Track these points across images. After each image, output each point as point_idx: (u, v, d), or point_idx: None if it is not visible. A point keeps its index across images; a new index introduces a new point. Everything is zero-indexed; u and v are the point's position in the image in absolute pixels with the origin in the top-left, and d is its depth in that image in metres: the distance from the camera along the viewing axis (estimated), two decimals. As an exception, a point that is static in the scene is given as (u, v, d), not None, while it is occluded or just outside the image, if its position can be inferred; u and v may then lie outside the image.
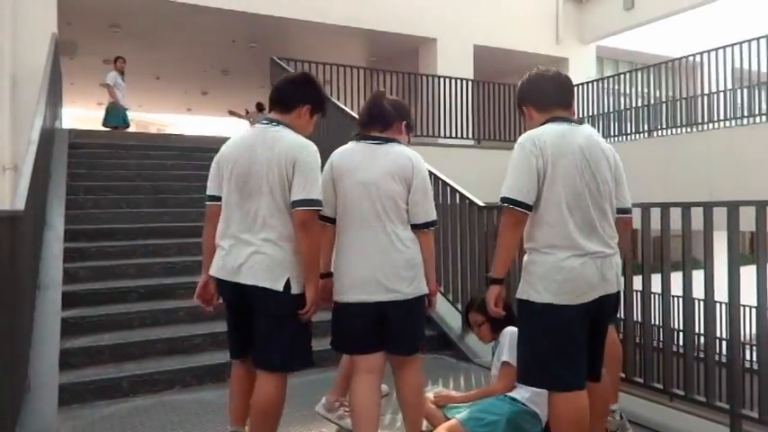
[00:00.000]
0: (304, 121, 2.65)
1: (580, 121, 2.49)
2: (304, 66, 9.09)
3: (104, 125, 10.26)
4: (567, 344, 2.32)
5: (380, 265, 2.50)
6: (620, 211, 2.51)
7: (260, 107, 13.81)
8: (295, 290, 2.51)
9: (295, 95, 2.65)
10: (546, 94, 2.50)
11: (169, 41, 12.48)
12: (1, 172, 7.67)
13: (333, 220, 2.63)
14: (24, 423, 3.17)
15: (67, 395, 3.63)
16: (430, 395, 3.16)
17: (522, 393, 2.94)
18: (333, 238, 2.65)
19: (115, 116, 10.15)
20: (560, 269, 2.29)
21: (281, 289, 2.47)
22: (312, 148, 2.56)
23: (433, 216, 2.63)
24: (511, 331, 3.17)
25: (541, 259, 2.34)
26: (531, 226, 2.39)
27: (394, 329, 2.57)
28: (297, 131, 2.59)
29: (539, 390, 2.88)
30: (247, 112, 13.58)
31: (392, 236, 2.52)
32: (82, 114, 21.26)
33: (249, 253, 2.49)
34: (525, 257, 2.43)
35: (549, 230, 2.33)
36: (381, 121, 2.67)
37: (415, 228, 2.60)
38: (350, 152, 2.65)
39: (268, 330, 2.53)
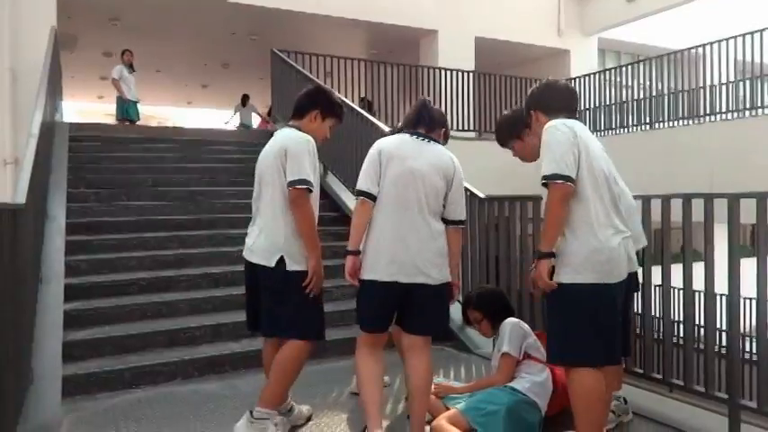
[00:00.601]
0: (316, 125, 3.02)
1: None
2: (304, 58, 9.07)
3: (117, 119, 10.39)
4: (609, 321, 2.43)
5: (417, 251, 2.67)
6: None
7: (244, 99, 13.85)
8: (290, 266, 2.82)
9: (306, 103, 3.04)
10: (556, 101, 2.69)
11: (169, 34, 12.46)
12: (2, 166, 7.67)
13: (374, 198, 2.74)
14: (28, 415, 3.20)
15: (71, 387, 3.65)
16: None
17: (523, 384, 2.97)
18: (369, 216, 2.76)
19: (120, 109, 10.23)
20: (602, 250, 2.39)
21: (273, 265, 2.82)
22: (302, 137, 2.91)
23: (465, 215, 2.86)
24: (510, 323, 3.18)
25: (583, 241, 2.41)
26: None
27: (417, 310, 2.72)
28: (308, 134, 2.94)
29: (538, 380, 2.93)
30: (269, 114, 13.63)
31: (430, 225, 2.71)
32: (83, 108, 21.26)
33: (255, 235, 2.94)
34: (560, 241, 2.46)
35: (588, 210, 2.42)
36: (427, 123, 2.87)
37: (448, 223, 2.79)
38: (399, 141, 2.83)
39: (267, 303, 2.90)
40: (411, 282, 2.66)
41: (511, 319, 3.23)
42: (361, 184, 2.77)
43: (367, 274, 2.73)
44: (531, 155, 2.97)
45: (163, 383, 3.92)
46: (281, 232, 2.84)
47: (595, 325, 2.41)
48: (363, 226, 2.76)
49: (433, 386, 3.16)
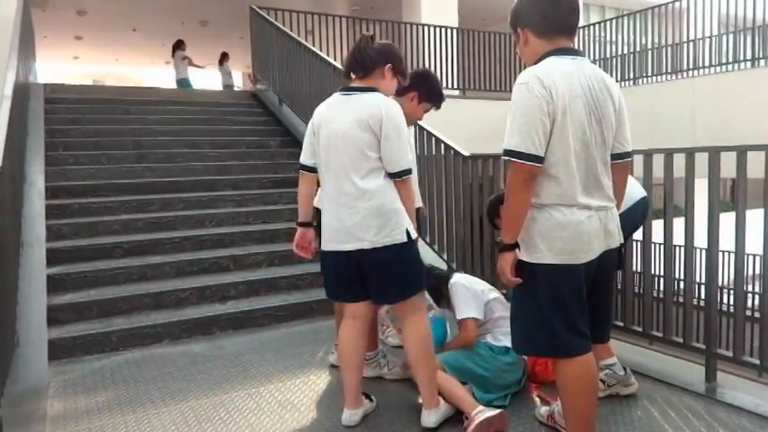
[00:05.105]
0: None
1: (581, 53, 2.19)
2: (284, 15, 8.85)
3: None
4: (573, 307, 2.06)
5: (347, 216, 2.53)
6: (620, 155, 2.22)
7: (223, 57, 13.63)
8: None
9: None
10: (548, 16, 2.10)
11: (144, -9, 12.09)
12: (-24, 129, 7.48)
13: (312, 170, 2.73)
14: (16, 377, 3.21)
15: (57, 350, 3.66)
16: None
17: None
18: (311, 187, 2.79)
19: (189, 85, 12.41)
20: (566, 225, 2.02)
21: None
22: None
23: (404, 165, 2.56)
24: (453, 285, 3.11)
25: (543, 216, 2.04)
26: None
27: (370, 279, 2.59)
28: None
29: None
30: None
31: (356, 185, 2.52)
32: (58, 70, 20.66)
33: None
34: None
35: (554, 187, 2.02)
36: (362, 67, 2.65)
37: (390, 177, 2.56)
38: (328, 104, 2.71)
39: None
40: (349, 249, 2.54)
41: (453, 282, 3.12)
42: (301, 157, 2.78)
43: (322, 244, 2.70)
44: None
45: (150, 345, 3.94)
46: None
47: (557, 311, 2.05)
48: (305, 197, 2.80)
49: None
